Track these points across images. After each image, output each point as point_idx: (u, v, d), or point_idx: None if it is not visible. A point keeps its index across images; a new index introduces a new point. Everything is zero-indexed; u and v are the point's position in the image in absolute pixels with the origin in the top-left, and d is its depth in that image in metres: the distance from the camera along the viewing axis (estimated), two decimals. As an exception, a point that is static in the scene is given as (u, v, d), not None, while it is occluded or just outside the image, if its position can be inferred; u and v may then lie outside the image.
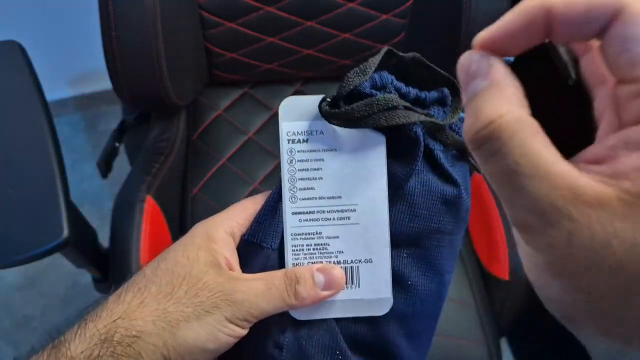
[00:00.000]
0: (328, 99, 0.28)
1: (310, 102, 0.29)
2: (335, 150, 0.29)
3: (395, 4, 0.75)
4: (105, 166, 0.78)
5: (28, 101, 0.61)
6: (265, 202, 0.30)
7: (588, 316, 0.17)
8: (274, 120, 0.83)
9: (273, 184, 0.78)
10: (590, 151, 0.17)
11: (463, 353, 0.66)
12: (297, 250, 0.29)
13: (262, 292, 0.27)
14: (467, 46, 0.18)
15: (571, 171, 0.16)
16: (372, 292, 0.29)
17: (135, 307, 0.26)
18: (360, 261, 0.29)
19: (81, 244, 0.63)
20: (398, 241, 0.30)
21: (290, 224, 0.29)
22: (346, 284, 0.29)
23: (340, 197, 0.29)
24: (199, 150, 0.81)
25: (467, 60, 0.18)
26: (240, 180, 0.78)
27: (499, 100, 0.17)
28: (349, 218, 0.29)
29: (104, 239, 0.71)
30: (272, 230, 0.29)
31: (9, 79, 0.63)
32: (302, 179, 0.29)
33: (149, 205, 0.67)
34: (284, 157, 0.29)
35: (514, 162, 0.16)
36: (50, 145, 0.58)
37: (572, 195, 0.15)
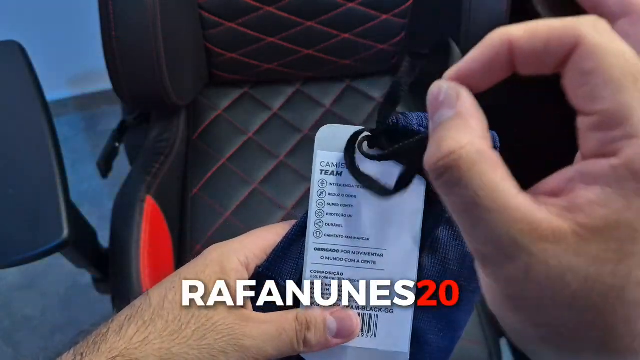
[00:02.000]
0: (366, 133, 0.26)
1: (350, 132, 0.27)
2: None
3: (395, 4, 0.75)
4: (105, 166, 0.78)
5: (28, 101, 0.61)
6: (286, 235, 0.28)
7: (546, 348, 0.17)
8: (274, 120, 0.83)
9: (273, 184, 0.79)
10: (549, 183, 0.17)
11: (463, 353, 0.66)
12: (314, 289, 0.27)
13: (271, 337, 0.26)
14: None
15: (529, 204, 0.16)
16: (388, 344, 0.27)
17: (138, 345, 0.25)
18: (380, 309, 0.27)
19: (81, 244, 0.63)
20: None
21: (312, 259, 0.27)
22: (362, 331, 0.27)
23: (368, 239, 0.27)
24: (199, 150, 0.81)
25: (436, 89, 0.18)
26: (240, 180, 0.78)
27: (462, 131, 0.17)
28: (374, 262, 0.27)
29: (104, 239, 0.71)
30: (289, 267, 0.28)
31: (9, 79, 0.63)
32: (330, 214, 0.27)
33: (149, 205, 0.67)
34: (315, 189, 0.27)
35: (473, 193, 0.16)
36: (50, 145, 0.58)
37: (530, 229, 0.15)
